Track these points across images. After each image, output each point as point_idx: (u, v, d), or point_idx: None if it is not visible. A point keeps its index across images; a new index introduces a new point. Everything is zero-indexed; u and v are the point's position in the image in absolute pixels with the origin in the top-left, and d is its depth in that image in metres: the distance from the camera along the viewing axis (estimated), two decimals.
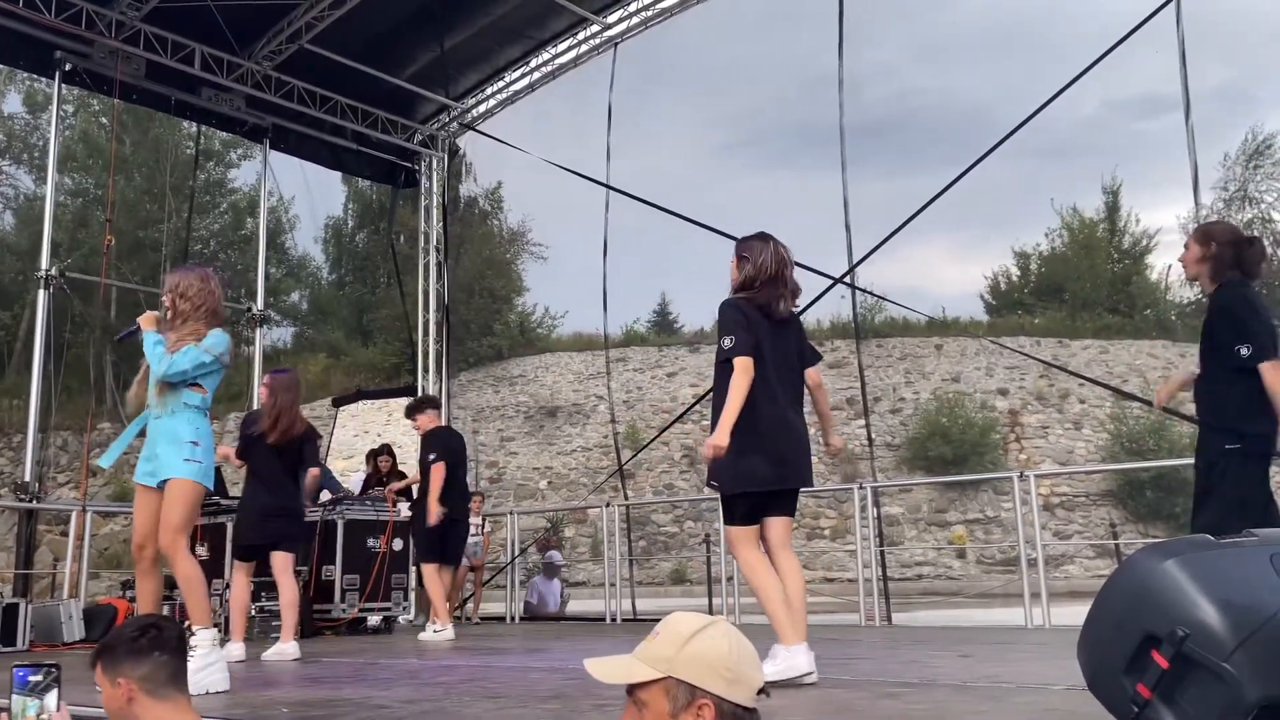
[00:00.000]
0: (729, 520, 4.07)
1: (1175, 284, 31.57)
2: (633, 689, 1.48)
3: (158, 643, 2.11)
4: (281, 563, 6.20)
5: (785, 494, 4.11)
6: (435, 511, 7.17)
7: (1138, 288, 31.05)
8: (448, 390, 12.82)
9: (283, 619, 6.16)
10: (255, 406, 11.61)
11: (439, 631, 7.32)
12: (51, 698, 2.00)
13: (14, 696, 1.99)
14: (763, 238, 4.16)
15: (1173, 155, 41.94)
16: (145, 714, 2.06)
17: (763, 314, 4.02)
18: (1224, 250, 4.03)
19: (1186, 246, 4.21)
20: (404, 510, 9.29)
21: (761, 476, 3.95)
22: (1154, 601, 1.91)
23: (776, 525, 4.07)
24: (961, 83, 54.18)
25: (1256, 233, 31.42)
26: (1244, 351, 3.79)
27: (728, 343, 3.94)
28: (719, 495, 4.18)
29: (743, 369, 3.88)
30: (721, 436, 3.82)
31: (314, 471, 6.79)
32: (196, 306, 4.34)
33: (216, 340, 4.31)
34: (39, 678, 2.00)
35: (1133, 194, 45.71)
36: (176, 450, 4.22)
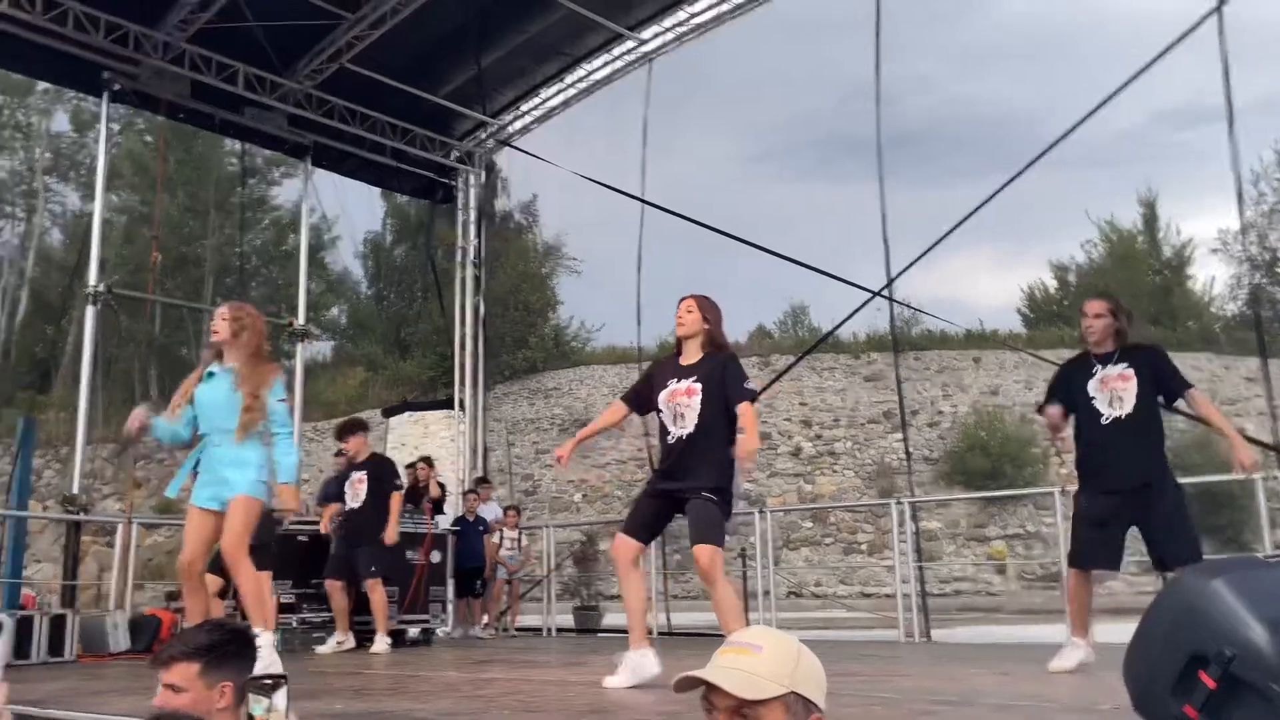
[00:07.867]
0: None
1: (1220, 296, 31.02)
2: (744, 704, 1.47)
3: (254, 655, 2.36)
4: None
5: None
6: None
7: (1180, 300, 30.53)
8: (484, 402, 12.90)
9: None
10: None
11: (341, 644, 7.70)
12: (281, 697, 2.14)
13: (248, 695, 2.15)
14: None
15: (1211, 165, 41.22)
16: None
17: None
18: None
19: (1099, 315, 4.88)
20: (441, 524, 9.34)
21: None
22: (1201, 621, 1.88)
23: None
24: (998, 93, 53.85)
25: None
26: None
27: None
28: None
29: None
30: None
31: None
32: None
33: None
34: (268, 683, 2.17)
35: (1172, 205, 45.07)
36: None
